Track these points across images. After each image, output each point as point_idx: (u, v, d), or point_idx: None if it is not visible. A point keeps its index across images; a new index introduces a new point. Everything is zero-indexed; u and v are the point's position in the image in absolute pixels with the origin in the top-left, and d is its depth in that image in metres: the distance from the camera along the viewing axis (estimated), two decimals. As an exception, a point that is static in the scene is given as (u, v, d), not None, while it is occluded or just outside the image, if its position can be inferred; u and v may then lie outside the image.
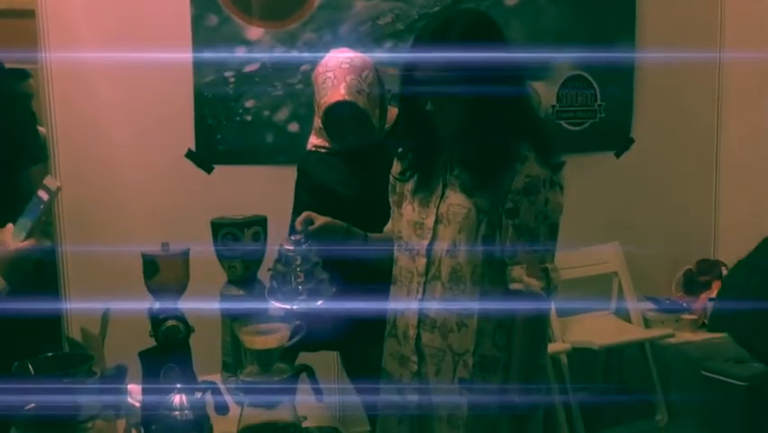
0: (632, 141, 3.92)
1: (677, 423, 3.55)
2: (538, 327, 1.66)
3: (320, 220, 1.71)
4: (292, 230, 1.98)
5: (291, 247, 1.64)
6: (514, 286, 1.59)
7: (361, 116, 1.91)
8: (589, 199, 3.55)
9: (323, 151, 2.05)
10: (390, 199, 1.82)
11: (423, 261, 1.66)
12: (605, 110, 3.82)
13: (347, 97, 1.87)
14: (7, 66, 2.29)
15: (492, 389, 1.60)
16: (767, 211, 3.85)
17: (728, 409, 3.38)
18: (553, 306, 3.16)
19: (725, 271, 3.91)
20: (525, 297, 1.58)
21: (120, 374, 1.56)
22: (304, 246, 1.64)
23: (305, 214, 1.71)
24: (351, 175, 2.00)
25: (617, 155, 3.92)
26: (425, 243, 1.66)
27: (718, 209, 4.16)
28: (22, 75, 3.37)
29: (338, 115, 1.92)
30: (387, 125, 2.01)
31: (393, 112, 2.01)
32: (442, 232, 1.64)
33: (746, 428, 3.33)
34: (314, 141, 2.08)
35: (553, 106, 3.72)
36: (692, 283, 3.99)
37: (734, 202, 4.11)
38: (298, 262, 1.62)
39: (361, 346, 1.96)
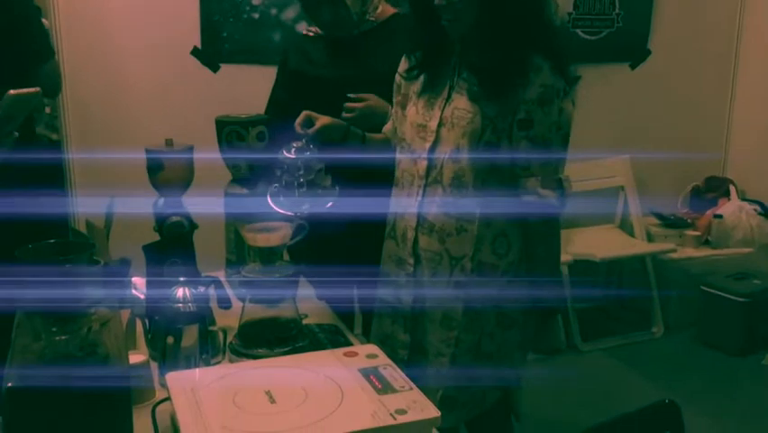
0: (649, 53, 3.82)
1: (672, 336, 3.62)
2: (555, 236, 1.66)
3: (320, 120, 1.68)
4: (271, 106, 2.03)
5: (293, 156, 1.61)
6: (528, 198, 1.58)
7: None
8: (600, 111, 3.50)
9: (311, 34, 2.10)
10: (394, 100, 1.79)
11: (424, 164, 1.64)
12: (622, 19, 3.71)
13: None
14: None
15: (487, 290, 1.62)
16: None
17: (725, 323, 3.44)
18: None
19: (733, 190, 3.90)
20: (538, 207, 1.57)
21: (124, 267, 1.58)
22: (306, 153, 1.61)
23: (304, 113, 1.68)
24: (327, 57, 2.03)
25: (632, 67, 3.83)
26: (428, 146, 1.63)
27: (731, 127, 4.11)
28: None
29: None
30: (371, 16, 2.01)
31: (387, 8, 2.04)
32: (445, 135, 1.61)
33: (741, 343, 3.40)
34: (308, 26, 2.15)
35: (570, 14, 3.61)
36: (699, 200, 3.99)
37: (748, 120, 4.05)
38: (301, 172, 1.60)
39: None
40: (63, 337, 0.97)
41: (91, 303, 1.00)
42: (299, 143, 1.63)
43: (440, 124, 1.62)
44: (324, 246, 1.78)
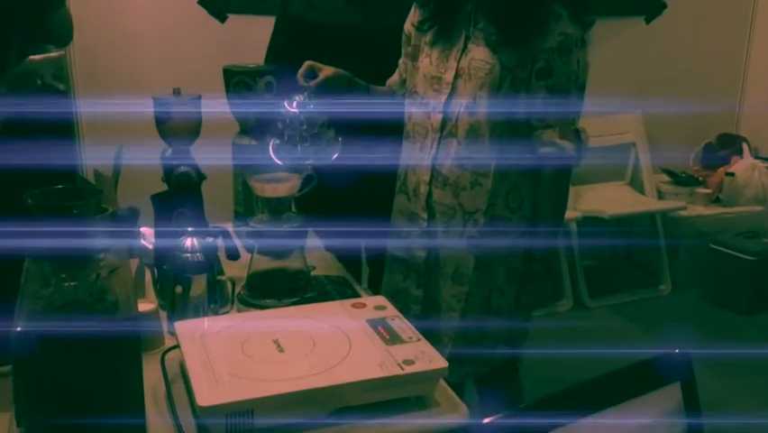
0: (664, 6, 3.74)
1: (679, 293, 3.62)
2: (563, 188, 1.65)
3: (324, 72, 1.64)
4: (271, 55, 2.00)
5: (295, 110, 1.58)
6: (545, 150, 1.56)
7: None
8: (614, 66, 3.44)
9: None
10: (403, 51, 1.76)
11: (439, 117, 1.62)
12: (639, -29, 3.63)
13: None
14: None
15: (499, 244, 1.62)
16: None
17: (733, 282, 3.43)
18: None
19: (745, 147, 3.86)
20: (556, 158, 1.55)
21: (132, 216, 1.57)
22: (309, 107, 1.57)
23: (307, 64, 1.64)
24: (329, 2, 1.98)
25: (648, 21, 3.76)
26: (443, 98, 1.61)
27: (746, 84, 4.04)
28: None
29: None
30: None
31: None
32: (461, 87, 1.58)
33: (748, 301, 3.40)
34: None
35: (585, -35, 3.53)
36: (711, 157, 3.95)
37: (762, 78, 3.98)
38: (304, 126, 1.56)
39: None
40: (72, 284, 0.97)
41: (100, 250, 0.99)
42: (301, 96, 1.59)
43: (456, 76, 1.59)
44: (330, 200, 1.77)
